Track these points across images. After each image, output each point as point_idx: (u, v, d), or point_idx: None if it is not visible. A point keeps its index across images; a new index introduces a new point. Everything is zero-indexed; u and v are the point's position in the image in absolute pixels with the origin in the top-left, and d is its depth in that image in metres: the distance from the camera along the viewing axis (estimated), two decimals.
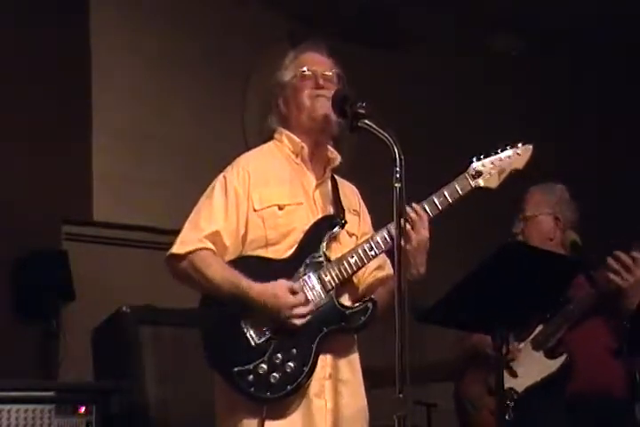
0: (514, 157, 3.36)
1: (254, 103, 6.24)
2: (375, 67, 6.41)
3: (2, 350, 4.81)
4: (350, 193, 3.50)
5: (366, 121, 3.10)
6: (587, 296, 4.05)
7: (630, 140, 7.14)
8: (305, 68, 3.37)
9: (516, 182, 4.70)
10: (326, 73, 3.37)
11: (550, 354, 4.10)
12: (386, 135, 2.97)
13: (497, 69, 7.09)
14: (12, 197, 5.24)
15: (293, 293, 3.15)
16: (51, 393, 3.99)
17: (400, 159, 2.90)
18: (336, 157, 3.44)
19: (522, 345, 4.14)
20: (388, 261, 3.38)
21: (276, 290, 3.14)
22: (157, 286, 5.08)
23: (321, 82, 3.35)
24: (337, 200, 3.38)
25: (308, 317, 3.16)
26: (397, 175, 2.89)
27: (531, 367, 4.10)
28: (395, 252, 2.86)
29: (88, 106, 5.73)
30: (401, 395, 2.77)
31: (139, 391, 4.41)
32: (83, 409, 4.01)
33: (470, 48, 7.01)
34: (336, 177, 3.47)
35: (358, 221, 3.43)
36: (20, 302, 5.26)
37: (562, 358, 4.06)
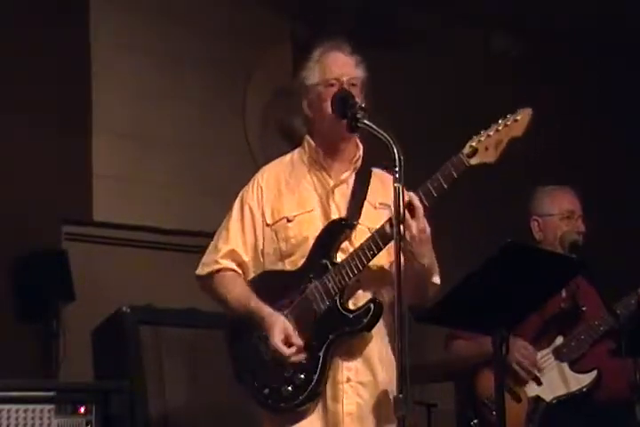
0: (511, 124, 3.18)
1: (255, 103, 6.24)
2: (375, 67, 6.40)
3: (2, 350, 4.81)
4: (384, 185, 3.37)
5: (366, 122, 3.10)
6: (612, 317, 4.06)
7: (631, 139, 7.13)
8: (331, 77, 3.34)
9: (519, 183, 4.71)
10: (351, 80, 3.35)
11: (577, 367, 4.12)
12: (385, 136, 2.98)
13: (497, 69, 7.09)
14: (12, 197, 5.24)
15: (286, 335, 3.19)
16: (51, 393, 3.99)
17: (399, 159, 2.91)
18: (360, 153, 3.41)
19: (543, 353, 4.15)
20: None
21: (274, 324, 3.21)
22: (157, 286, 5.09)
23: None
24: (358, 198, 3.34)
25: (301, 356, 3.18)
26: (397, 175, 2.90)
27: (556, 377, 4.13)
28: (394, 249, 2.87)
29: (88, 106, 5.73)
30: (401, 395, 2.78)
31: (139, 391, 4.41)
32: (83, 409, 4.01)
33: (470, 48, 7.00)
34: (374, 170, 3.41)
35: (387, 215, 3.30)
36: (21, 302, 5.26)
37: (593, 374, 4.10)
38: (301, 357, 3.19)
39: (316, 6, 6.38)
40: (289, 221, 3.31)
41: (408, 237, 3.09)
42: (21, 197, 5.27)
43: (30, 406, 3.93)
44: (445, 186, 3.15)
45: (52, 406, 3.96)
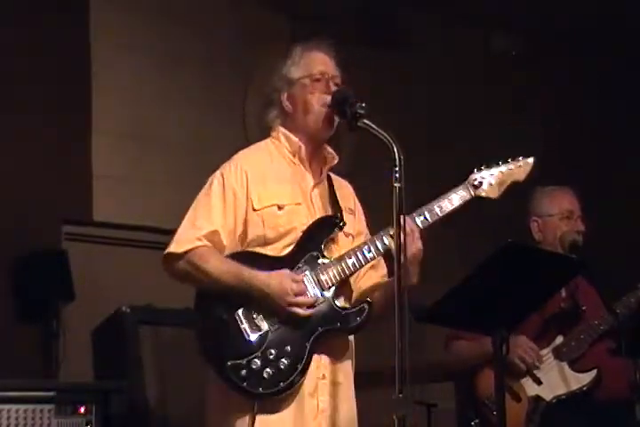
0: (515, 169, 3.40)
1: (255, 103, 6.24)
2: (375, 66, 6.40)
3: (2, 350, 4.81)
4: (346, 191, 3.50)
5: (366, 121, 3.11)
6: (612, 316, 4.06)
7: (631, 139, 7.14)
8: (317, 72, 3.37)
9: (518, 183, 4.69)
10: (335, 78, 3.38)
11: (577, 367, 4.12)
12: (385, 135, 2.99)
13: (497, 69, 7.09)
14: (12, 197, 5.24)
15: (296, 282, 3.17)
16: (51, 393, 3.98)
17: (400, 159, 2.91)
18: (333, 157, 3.44)
19: (543, 353, 4.15)
20: (382, 261, 3.39)
21: (280, 277, 3.16)
22: (157, 286, 5.07)
23: (332, 87, 3.35)
24: (334, 200, 3.39)
25: (311, 310, 3.16)
26: (397, 175, 2.90)
27: (556, 377, 4.13)
28: (394, 254, 2.87)
29: (88, 105, 5.73)
30: (401, 395, 2.78)
31: (139, 391, 4.41)
32: (83, 409, 4.00)
33: (470, 48, 7.01)
34: (332, 175, 3.47)
35: (353, 220, 3.43)
36: (21, 302, 5.26)
37: (593, 373, 4.10)
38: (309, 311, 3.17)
39: (316, 6, 6.38)
40: (280, 208, 3.28)
41: (409, 255, 3.12)
42: (21, 197, 5.27)
43: (30, 406, 3.92)
44: (450, 211, 3.30)
45: (51, 406, 3.95)
